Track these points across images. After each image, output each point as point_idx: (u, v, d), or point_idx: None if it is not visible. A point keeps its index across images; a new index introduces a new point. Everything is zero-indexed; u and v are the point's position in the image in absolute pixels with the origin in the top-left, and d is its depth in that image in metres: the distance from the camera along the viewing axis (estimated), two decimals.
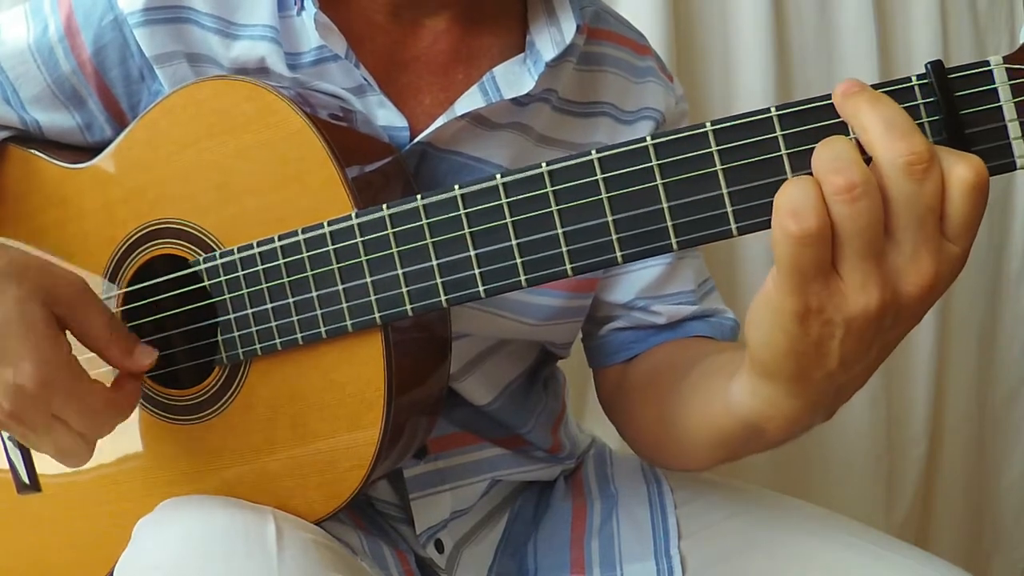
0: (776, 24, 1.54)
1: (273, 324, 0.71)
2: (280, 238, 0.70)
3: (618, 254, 0.58)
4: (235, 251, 0.72)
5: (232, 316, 0.73)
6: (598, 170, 0.58)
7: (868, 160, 0.51)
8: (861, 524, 0.84)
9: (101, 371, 0.72)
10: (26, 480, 0.79)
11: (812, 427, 0.64)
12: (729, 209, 0.55)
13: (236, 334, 0.73)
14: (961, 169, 0.50)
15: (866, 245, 0.51)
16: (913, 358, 1.67)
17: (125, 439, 0.79)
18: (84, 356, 0.69)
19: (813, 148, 0.52)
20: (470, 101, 0.81)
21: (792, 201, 0.51)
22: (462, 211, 0.63)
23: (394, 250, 0.66)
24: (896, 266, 0.52)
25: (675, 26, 1.48)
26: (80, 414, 0.67)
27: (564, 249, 0.60)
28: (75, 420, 0.67)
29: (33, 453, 0.80)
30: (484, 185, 0.62)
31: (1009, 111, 0.52)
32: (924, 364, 1.67)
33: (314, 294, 0.69)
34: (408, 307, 0.66)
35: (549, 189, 0.60)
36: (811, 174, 0.52)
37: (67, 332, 0.69)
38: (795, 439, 0.66)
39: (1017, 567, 1.80)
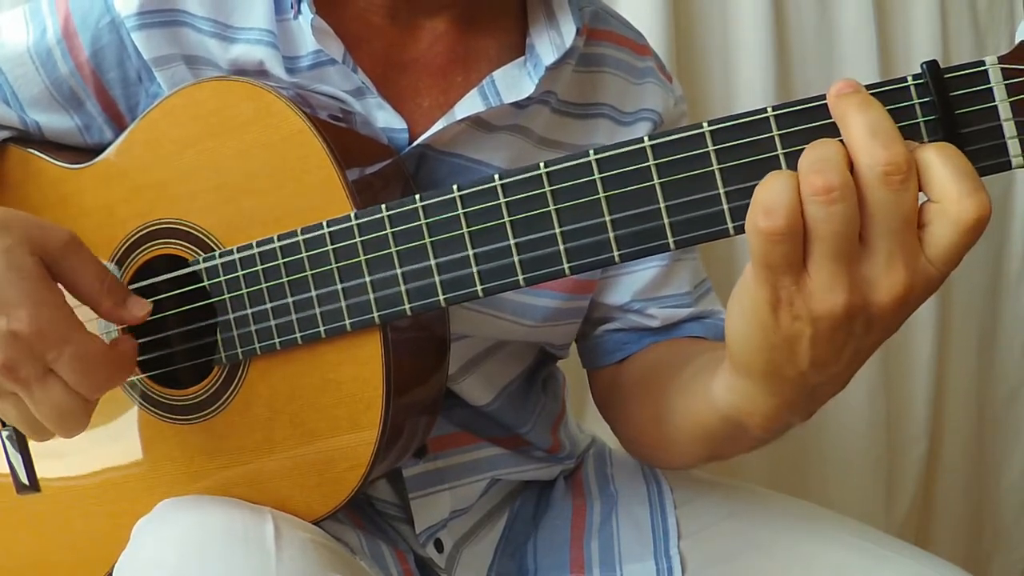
0: (776, 24, 1.54)
1: (272, 323, 0.71)
2: (279, 238, 0.70)
3: (615, 253, 0.59)
4: (234, 251, 0.72)
5: (231, 316, 0.73)
6: (595, 170, 0.58)
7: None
8: (861, 524, 0.84)
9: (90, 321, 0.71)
10: (25, 481, 0.79)
11: (792, 426, 0.64)
12: (726, 208, 0.55)
13: (235, 333, 0.73)
14: (960, 205, 0.50)
15: (836, 248, 0.51)
16: (913, 358, 1.67)
17: (124, 439, 0.79)
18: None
19: None
20: (470, 105, 0.81)
21: (767, 198, 0.51)
22: (460, 211, 0.63)
23: (393, 249, 0.66)
24: (868, 274, 0.52)
25: (675, 26, 1.48)
26: (74, 364, 0.63)
27: (562, 248, 0.60)
28: (68, 370, 0.63)
29: (32, 454, 0.80)
30: (483, 186, 0.62)
31: (1004, 110, 0.52)
32: (924, 364, 1.67)
33: (313, 293, 0.69)
34: (407, 306, 0.66)
35: (547, 189, 0.60)
36: None
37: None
38: (778, 438, 0.67)
39: (1017, 567, 1.80)
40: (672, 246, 0.57)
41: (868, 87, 0.53)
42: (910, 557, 0.77)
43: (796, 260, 0.52)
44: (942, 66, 0.52)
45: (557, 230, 0.60)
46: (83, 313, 0.69)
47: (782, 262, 0.52)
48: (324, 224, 0.68)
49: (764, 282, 0.53)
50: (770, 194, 0.51)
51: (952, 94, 0.52)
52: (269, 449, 0.74)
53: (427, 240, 0.64)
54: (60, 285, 0.67)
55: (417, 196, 0.64)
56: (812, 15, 1.59)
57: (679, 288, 0.90)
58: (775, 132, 0.54)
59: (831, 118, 0.53)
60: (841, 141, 0.52)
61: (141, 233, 0.78)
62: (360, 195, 0.70)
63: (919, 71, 0.52)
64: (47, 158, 0.83)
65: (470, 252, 0.63)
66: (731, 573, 0.80)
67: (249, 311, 0.72)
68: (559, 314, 0.86)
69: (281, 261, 0.70)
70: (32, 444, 0.81)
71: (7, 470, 0.80)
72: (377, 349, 0.69)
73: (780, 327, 0.54)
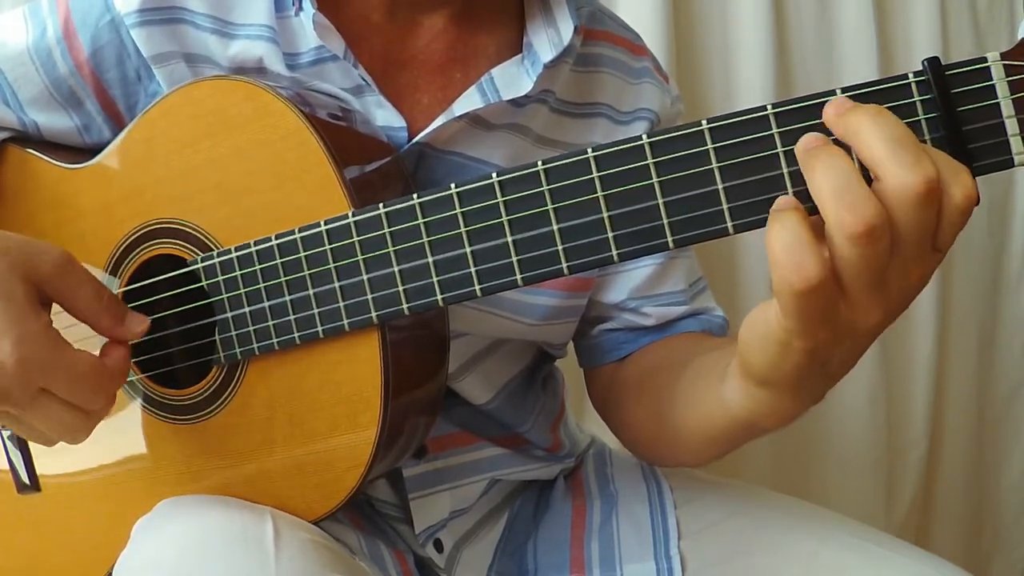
0: (776, 24, 1.54)
1: (270, 323, 0.71)
2: (277, 237, 0.70)
3: (614, 252, 0.58)
4: (232, 250, 0.72)
5: (229, 315, 0.73)
6: (594, 168, 0.58)
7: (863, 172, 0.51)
8: (861, 524, 0.84)
9: (85, 339, 0.72)
10: (26, 480, 0.79)
11: (803, 414, 0.64)
12: (725, 207, 0.55)
13: (233, 333, 0.73)
14: (957, 191, 0.50)
15: (874, 276, 0.50)
16: (913, 358, 1.67)
17: (123, 439, 0.79)
18: (66, 327, 0.68)
19: None
20: (468, 102, 0.81)
21: (791, 255, 0.49)
22: (458, 209, 0.63)
23: (390, 248, 0.66)
24: (894, 280, 0.52)
25: (675, 26, 1.48)
26: (68, 383, 0.65)
27: (560, 247, 0.60)
28: (64, 390, 0.65)
29: (32, 453, 0.80)
30: (480, 183, 0.62)
31: (1007, 108, 0.51)
32: (924, 364, 1.67)
33: (311, 292, 0.69)
34: (404, 306, 0.66)
35: (545, 187, 0.59)
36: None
37: (54, 305, 0.67)
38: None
39: (1017, 567, 1.80)
40: (671, 245, 0.57)
41: (870, 84, 0.53)
42: (910, 557, 0.76)
43: (833, 302, 0.51)
44: None
45: (555, 228, 0.60)
46: (66, 319, 0.69)
47: (819, 310, 0.51)
48: (322, 223, 0.68)
49: (801, 334, 0.52)
50: (790, 249, 0.49)
51: (954, 91, 0.52)
52: (268, 449, 0.73)
53: (425, 239, 0.64)
54: (57, 304, 0.68)
55: (415, 195, 0.64)
56: (812, 15, 1.59)
57: (674, 286, 0.90)
58: (775, 130, 0.54)
59: None
60: (836, 141, 0.51)
61: (139, 233, 0.77)
62: (359, 194, 0.70)
63: (920, 68, 0.52)
64: (45, 158, 0.83)
65: (468, 251, 0.63)
66: (731, 573, 0.80)
67: (247, 310, 0.72)
68: (558, 312, 0.86)
69: (279, 260, 0.70)
70: (32, 444, 0.81)
71: (8, 469, 0.80)
72: (375, 349, 0.69)
73: (816, 360, 0.54)
